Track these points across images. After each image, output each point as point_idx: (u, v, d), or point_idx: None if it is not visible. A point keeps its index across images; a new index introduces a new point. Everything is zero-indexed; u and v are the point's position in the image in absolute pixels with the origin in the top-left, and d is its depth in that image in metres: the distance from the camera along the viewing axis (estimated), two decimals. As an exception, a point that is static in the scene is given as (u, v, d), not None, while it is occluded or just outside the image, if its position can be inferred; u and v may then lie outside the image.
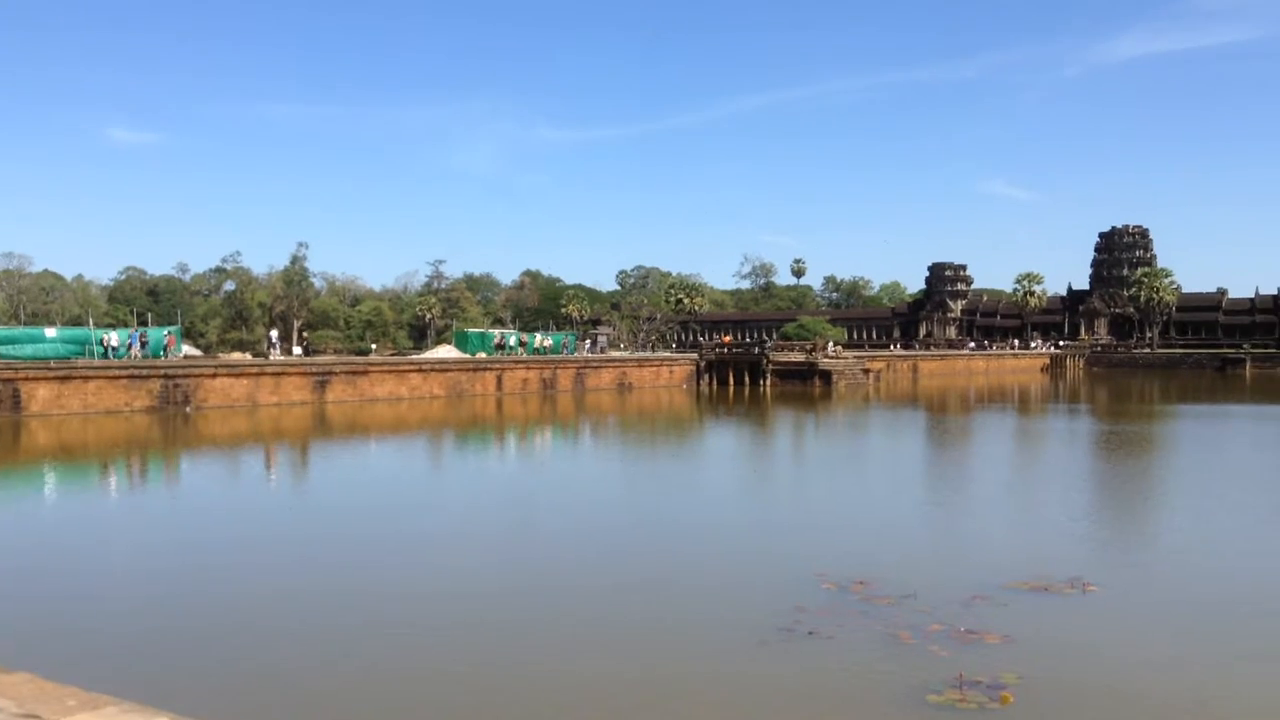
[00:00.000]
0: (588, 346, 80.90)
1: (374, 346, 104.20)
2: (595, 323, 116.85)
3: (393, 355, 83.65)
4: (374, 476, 28.07)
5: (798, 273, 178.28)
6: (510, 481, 27.46)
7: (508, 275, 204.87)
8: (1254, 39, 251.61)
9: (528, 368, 61.67)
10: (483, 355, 63.38)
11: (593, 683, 10.53)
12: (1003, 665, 10.56)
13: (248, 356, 58.57)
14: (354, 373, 52.44)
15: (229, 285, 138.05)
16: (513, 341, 68.74)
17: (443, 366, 57.48)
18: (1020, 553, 16.46)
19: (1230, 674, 10.69)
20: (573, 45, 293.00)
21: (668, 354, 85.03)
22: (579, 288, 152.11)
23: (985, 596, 13.23)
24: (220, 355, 64.73)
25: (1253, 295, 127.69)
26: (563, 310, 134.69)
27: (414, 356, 68.97)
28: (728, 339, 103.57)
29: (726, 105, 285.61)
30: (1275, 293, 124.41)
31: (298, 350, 59.04)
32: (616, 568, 15.94)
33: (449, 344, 73.59)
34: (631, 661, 11.23)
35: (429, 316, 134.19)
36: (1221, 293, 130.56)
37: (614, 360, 70.53)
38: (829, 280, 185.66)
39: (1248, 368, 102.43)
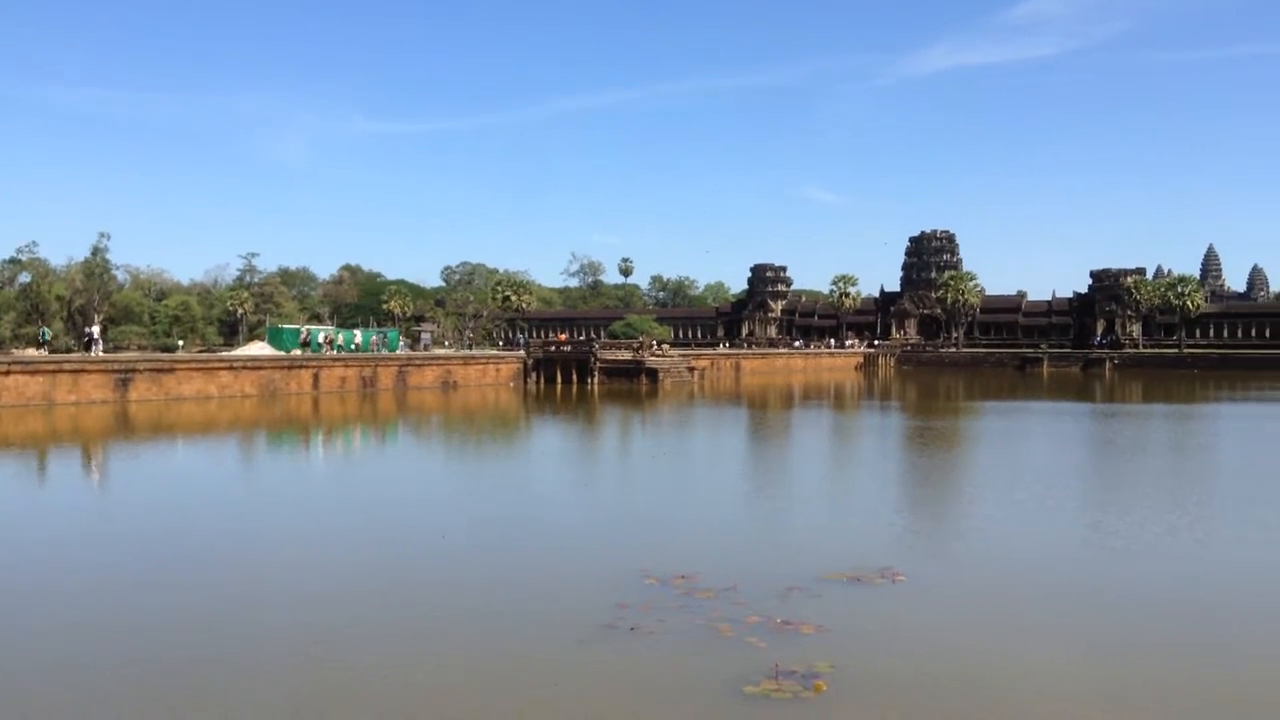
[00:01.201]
0: (404, 344, 78.97)
1: (181, 343, 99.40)
2: (419, 319, 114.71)
3: (202, 352, 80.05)
4: (182, 477, 26.67)
5: (625, 272, 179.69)
6: (324, 482, 26.58)
7: (326, 269, 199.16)
8: (1054, 55, 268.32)
9: (346, 365, 59.96)
10: (298, 352, 61.28)
11: (409, 682, 10.26)
12: (817, 654, 10.82)
13: (44, 353, 54.87)
14: (159, 370, 49.83)
15: (24, 277, 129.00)
16: (320, 338, 66.57)
17: (255, 364, 55.25)
18: (835, 545, 16.94)
19: (1029, 657, 11.22)
20: (395, 36, 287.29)
21: (494, 352, 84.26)
22: (402, 283, 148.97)
23: (802, 588, 13.54)
24: (14, 351, 60.50)
25: (1050, 298, 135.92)
26: (384, 306, 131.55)
27: (224, 354, 66.12)
28: (563, 337, 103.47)
29: (555, 103, 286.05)
30: (1070, 296, 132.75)
31: (97, 349, 55.43)
32: (437, 567, 15.60)
33: (262, 340, 70.91)
34: (451, 662, 11.04)
35: (241, 312, 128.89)
36: (1021, 295, 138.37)
37: (438, 358, 69.36)
38: (656, 279, 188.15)
39: (1045, 366, 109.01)
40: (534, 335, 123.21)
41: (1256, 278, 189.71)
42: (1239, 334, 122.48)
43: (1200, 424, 44.21)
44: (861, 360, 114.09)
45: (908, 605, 13.13)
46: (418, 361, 66.07)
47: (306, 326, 74.05)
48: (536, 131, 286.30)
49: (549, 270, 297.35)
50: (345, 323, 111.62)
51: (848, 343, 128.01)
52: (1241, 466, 29.00)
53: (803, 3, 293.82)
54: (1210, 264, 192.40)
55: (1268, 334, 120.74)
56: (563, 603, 13.24)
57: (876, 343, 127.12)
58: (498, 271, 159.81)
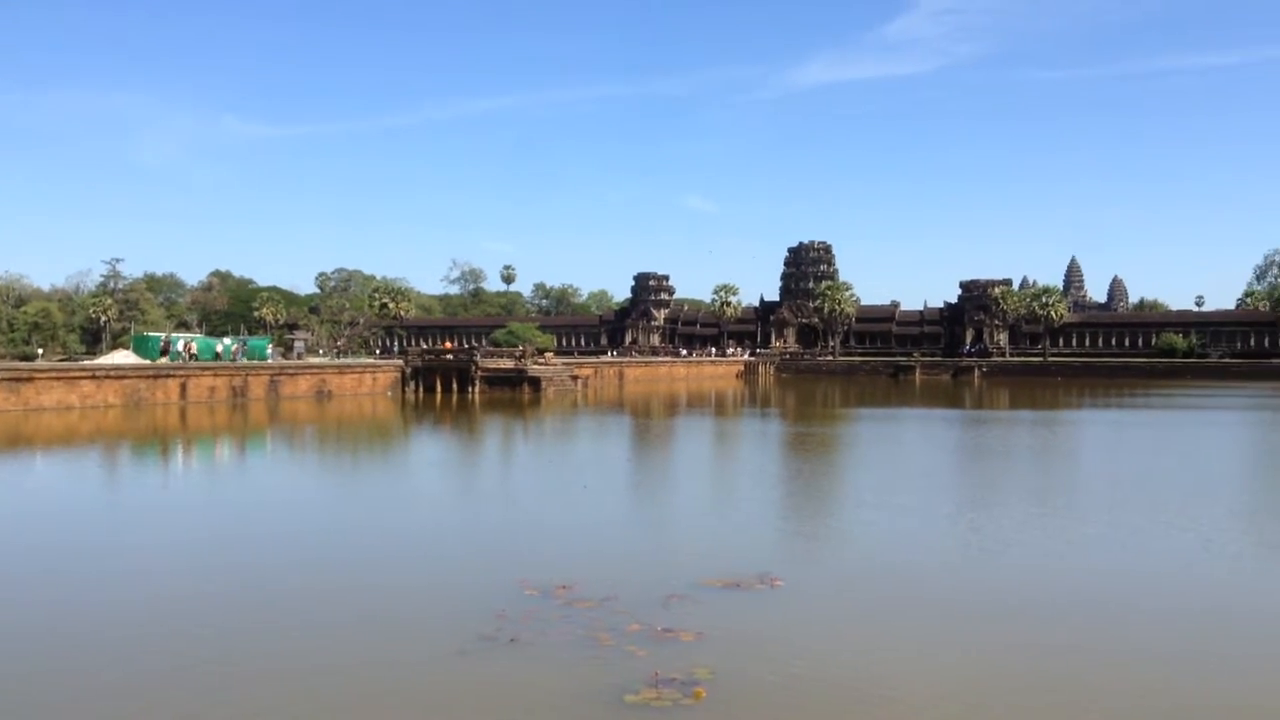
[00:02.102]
0: (273, 353, 76.64)
1: (41, 351, 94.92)
2: (292, 327, 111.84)
3: (63, 361, 76.52)
4: (40, 491, 25.34)
5: (507, 279, 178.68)
6: (191, 494, 25.57)
7: (195, 276, 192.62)
8: (925, 72, 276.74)
9: (215, 375, 58.00)
10: (164, 361, 59.05)
11: (283, 694, 9.94)
12: (697, 661, 10.81)
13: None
14: (17, 379, 47.38)
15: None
16: (180, 346, 64.27)
17: (119, 373, 53.01)
18: (715, 551, 17.01)
19: (905, 660, 11.41)
20: (268, 37, 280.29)
21: (371, 360, 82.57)
22: (274, 290, 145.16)
23: (682, 595, 13.54)
24: None
25: (922, 308, 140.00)
26: (256, 314, 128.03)
27: (87, 362, 63.28)
28: (449, 345, 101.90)
29: (435, 108, 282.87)
30: (941, 306, 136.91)
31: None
32: (309, 578, 15.13)
33: (127, 349, 68.16)
34: (326, 673, 10.75)
35: (105, 319, 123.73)
36: (895, 305, 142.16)
37: (312, 366, 67.63)
38: (539, 287, 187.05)
39: (917, 374, 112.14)
40: (413, 343, 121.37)
41: (1116, 288, 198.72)
42: (1100, 342, 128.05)
43: (1065, 430, 45.96)
44: (742, 368, 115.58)
45: (786, 610, 13.24)
46: (291, 370, 64.31)
47: (166, 335, 71.33)
48: (415, 137, 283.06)
49: (429, 277, 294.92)
50: (215, 331, 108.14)
51: (729, 351, 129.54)
52: (1106, 471, 30.19)
53: (685, 15, 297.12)
54: (1073, 275, 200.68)
55: (1126, 343, 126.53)
56: (440, 614, 12.99)
57: (757, 351, 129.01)
58: (375, 278, 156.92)
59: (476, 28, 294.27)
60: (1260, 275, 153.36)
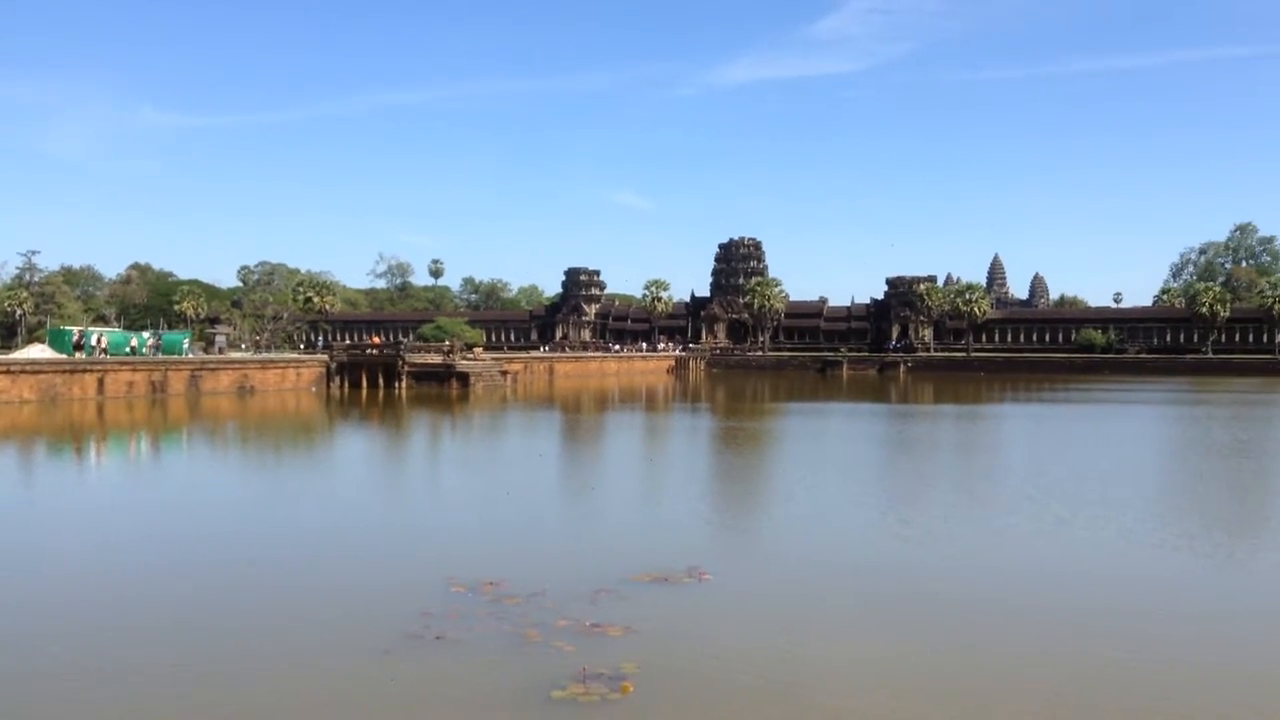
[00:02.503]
0: (190, 348, 74.82)
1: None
2: (214, 321, 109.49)
3: (-26, 356, 74.04)
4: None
5: (435, 273, 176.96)
6: (107, 492, 24.87)
7: (113, 268, 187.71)
8: (852, 71, 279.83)
9: (134, 370, 56.56)
10: (81, 356, 57.47)
11: (205, 695, 9.69)
12: (624, 656, 10.79)
13: None
14: (-78, 375, 45.76)
15: None
16: (94, 340, 62.61)
17: (34, 368, 51.45)
18: (644, 546, 17.01)
19: (832, 652, 11.50)
20: (187, 23, 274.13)
21: (295, 355, 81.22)
22: (195, 283, 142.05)
23: (610, 590, 13.51)
24: None
25: (849, 304, 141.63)
26: (176, 307, 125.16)
27: (1, 357, 61.31)
28: (377, 340, 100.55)
29: (361, 99, 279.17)
30: (868, 302, 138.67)
31: None
32: (230, 577, 14.81)
33: (42, 343, 66.15)
34: (249, 673, 10.55)
35: (20, 313, 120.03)
36: (823, 301, 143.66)
37: (234, 361, 66.31)
38: (467, 282, 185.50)
39: (845, 369, 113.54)
40: (338, 338, 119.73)
41: (1037, 285, 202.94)
42: (1021, 338, 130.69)
43: (988, 424, 46.82)
44: (673, 363, 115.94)
45: (713, 604, 13.27)
46: (212, 365, 62.99)
47: (79, 329, 69.34)
48: (339, 128, 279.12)
49: (355, 271, 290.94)
50: (134, 325, 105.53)
51: (660, 346, 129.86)
52: (1029, 464, 30.79)
53: (609, 10, 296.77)
54: (996, 272, 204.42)
55: (1047, 338, 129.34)
56: (365, 613, 12.80)
57: (688, 346, 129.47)
58: (299, 272, 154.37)
59: (397, 19, 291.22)
60: (1176, 273, 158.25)
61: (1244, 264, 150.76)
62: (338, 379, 69.45)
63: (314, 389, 66.99)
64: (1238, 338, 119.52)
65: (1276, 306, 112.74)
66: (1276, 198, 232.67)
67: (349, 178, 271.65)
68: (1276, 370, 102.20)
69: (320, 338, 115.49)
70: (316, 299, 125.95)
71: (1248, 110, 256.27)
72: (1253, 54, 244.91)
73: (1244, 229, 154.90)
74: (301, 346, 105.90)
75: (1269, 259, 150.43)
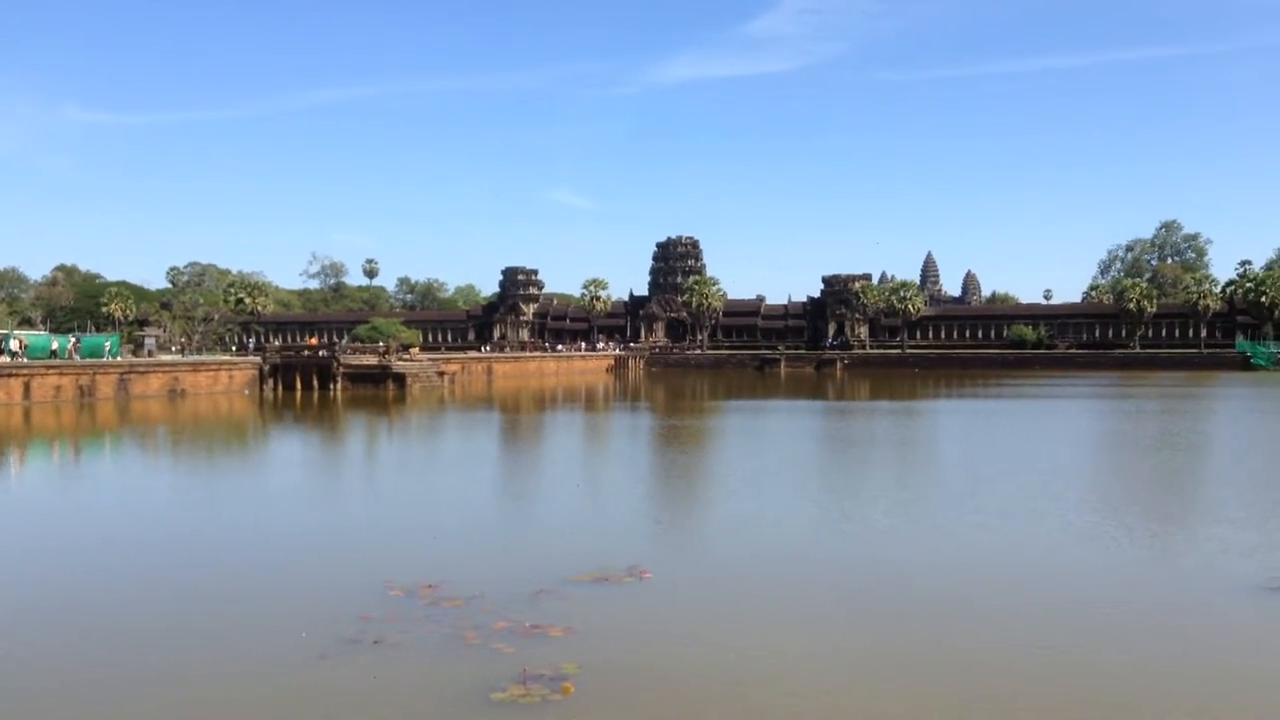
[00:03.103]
0: (111, 350, 73.23)
1: None
2: (143, 323, 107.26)
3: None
4: None
5: (370, 273, 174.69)
6: (37, 498, 24.17)
7: (38, 270, 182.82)
8: (788, 70, 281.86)
9: (61, 374, 55.15)
10: (5, 360, 55.88)
11: (143, 701, 9.48)
12: (565, 656, 10.72)
13: None
14: None
15: None
16: (14, 345, 60.93)
17: (-45, 373, 49.96)
18: (584, 546, 16.94)
19: (774, 649, 11.52)
20: (111, 20, 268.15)
21: (227, 357, 79.70)
22: (123, 285, 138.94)
23: (550, 590, 13.42)
24: None
25: (786, 302, 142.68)
26: (104, 310, 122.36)
27: (-81, 362, 59.38)
28: (314, 341, 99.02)
29: (293, 97, 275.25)
30: (805, 300, 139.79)
31: None
32: (167, 582, 14.51)
33: (-37, 348, 64.20)
34: (185, 679, 10.35)
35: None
36: (761, 299, 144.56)
37: (164, 364, 64.88)
38: (403, 281, 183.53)
39: (782, 367, 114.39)
40: (271, 340, 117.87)
41: (970, 282, 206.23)
42: (954, 335, 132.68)
43: (924, 419, 47.42)
44: (612, 362, 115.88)
45: (654, 602, 13.25)
46: (141, 368, 61.60)
47: (2, 331, 67.41)
48: (273, 125, 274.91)
49: (288, 271, 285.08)
50: (61, 327, 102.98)
51: (599, 345, 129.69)
52: (967, 458, 31.26)
53: (546, 8, 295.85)
54: (929, 270, 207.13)
55: (980, 335, 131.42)
56: (302, 618, 12.59)
57: (627, 345, 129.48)
58: (230, 273, 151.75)
59: (331, 15, 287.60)
60: (1104, 270, 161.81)
61: (1169, 260, 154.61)
62: (271, 381, 68.38)
63: (247, 392, 65.87)
64: (1164, 333, 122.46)
65: (1201, 302, 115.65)
66: (1201, 195, 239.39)
67: (281, 176, 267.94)
68: (1201, 364, 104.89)
69: (253, 340, 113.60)
70: (248, 300, 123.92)
71: (1173, 110, 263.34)
72: (1178, 55, 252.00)
73: (1169, 226, 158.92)
74: (233, 349, 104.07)
75: (1194, 255, 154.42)
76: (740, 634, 11.93)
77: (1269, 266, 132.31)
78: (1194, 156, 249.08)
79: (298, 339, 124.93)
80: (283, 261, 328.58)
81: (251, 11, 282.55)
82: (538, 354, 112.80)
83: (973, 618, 12.61)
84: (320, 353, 73.30)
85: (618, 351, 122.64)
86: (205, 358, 74.76)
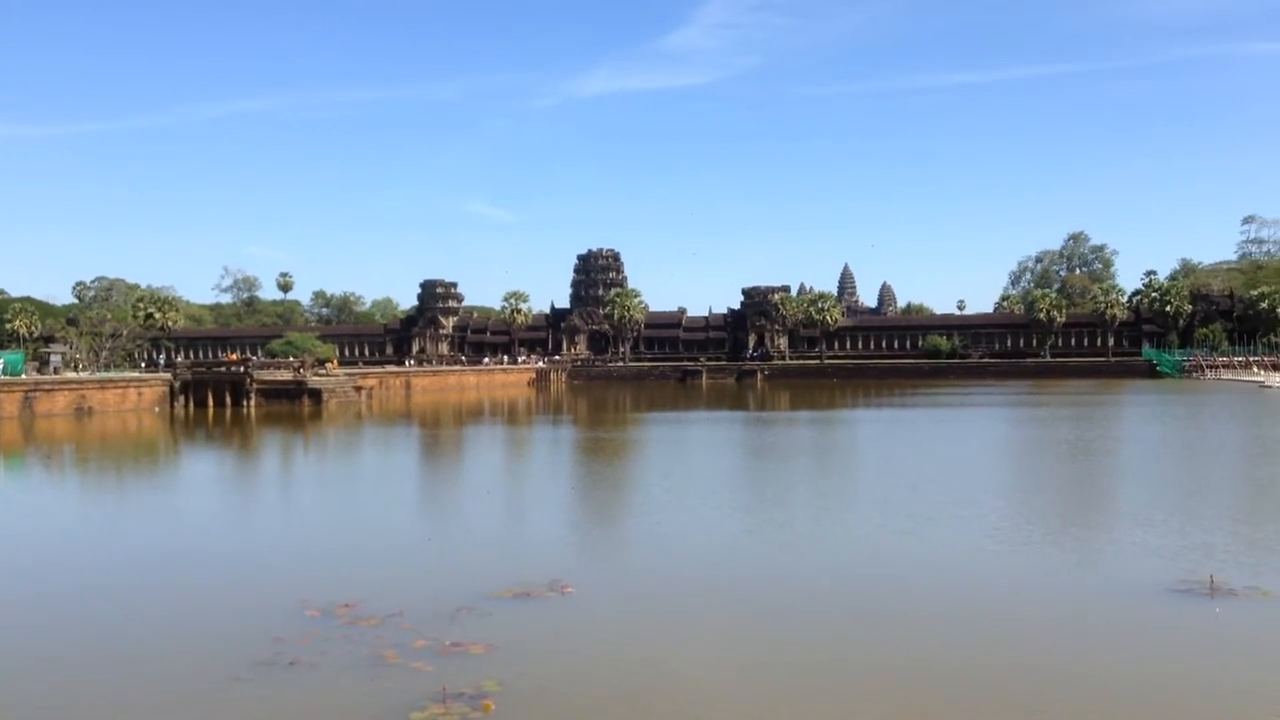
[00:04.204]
0: (22, 368, 71.09)
1: None
2: (48, 340, 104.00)
3: None
4: None
5: (284, 287, 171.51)
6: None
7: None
8: (704, 83, 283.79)
9: (-39, 392, 53.22)
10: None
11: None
12: (486, 674, 10.58)
13: None
14: None
15: None
16: None
17: None
18: (506, 561, 16.76)
19: (695, 663, 11.49)
20: (12, 28, 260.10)
21: (136, 374, 77.64)
22: (28, 300, 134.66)
23: (471, 607, 13.24)
24: None
25: (707, 314, 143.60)
26: (8, 326, 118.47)
27: None
28: (234, 356, 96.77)
29: (201, 108, 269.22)
30: (725, 312, 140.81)
31: None
32: (73, 610, 13.97)
33: None
34: (91, 706, 10.03)
35: None
36: (682, 311, 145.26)
37: (70, 382, 62.95)
38: (319, 295, 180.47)
39: (704, 378, 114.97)
40: (182, 356, 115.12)
41: (886, 294, 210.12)
42: (872, 345, 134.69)
43: (844, 428, 47.96)
44: (534, 376, 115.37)
45: (577, 617, 13.14)
46: (47, 386, 59.71)
47: None
48: (182, 137, 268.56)
49: (199, 286, 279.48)
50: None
51: (520, 359, 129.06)
52: (890, 466, 31.57)
53: (460, 20, 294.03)
54: (846, 282, 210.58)
55: (896, 345, 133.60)
56: (214, 640, 12.28)
57: (549, 358, 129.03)
58: (139, 287, 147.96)
59: (242, 25, 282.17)
60: (1015, 280, 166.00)
61: (1077, 271, 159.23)
62: (182, 398, 66.82)
63: (157, 409, 64.21)
64: (1073, 341, 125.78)
65: (1108, 311, 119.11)
66: (1107, 208, 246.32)
67: (192, 189, 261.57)
68: (1110, 372, 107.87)
69: (163, 356, 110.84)
70: (158, 315, 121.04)
71: (1080, 125, 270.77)
72: (1084, 70, 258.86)
73: (1077, 237, 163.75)
74: (143, 365, 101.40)
75: (1101, 266, 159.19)
76: (663, 648, 11.87)
77: (1173, 277, 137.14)
78: (1100, 170, 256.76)
79: (210, 355, 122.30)
80: (194, 276, 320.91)
81: (159, 21, 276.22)
82: (458, 368, 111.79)
83: (894, 628, 12.70)
84: (234, 368, 71.73)
85: (539, 364, 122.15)
86: (113, 375, 72.68)
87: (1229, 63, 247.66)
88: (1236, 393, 70.37)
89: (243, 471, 34.20)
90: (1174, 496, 23.52)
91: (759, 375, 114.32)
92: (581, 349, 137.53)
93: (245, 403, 66.12)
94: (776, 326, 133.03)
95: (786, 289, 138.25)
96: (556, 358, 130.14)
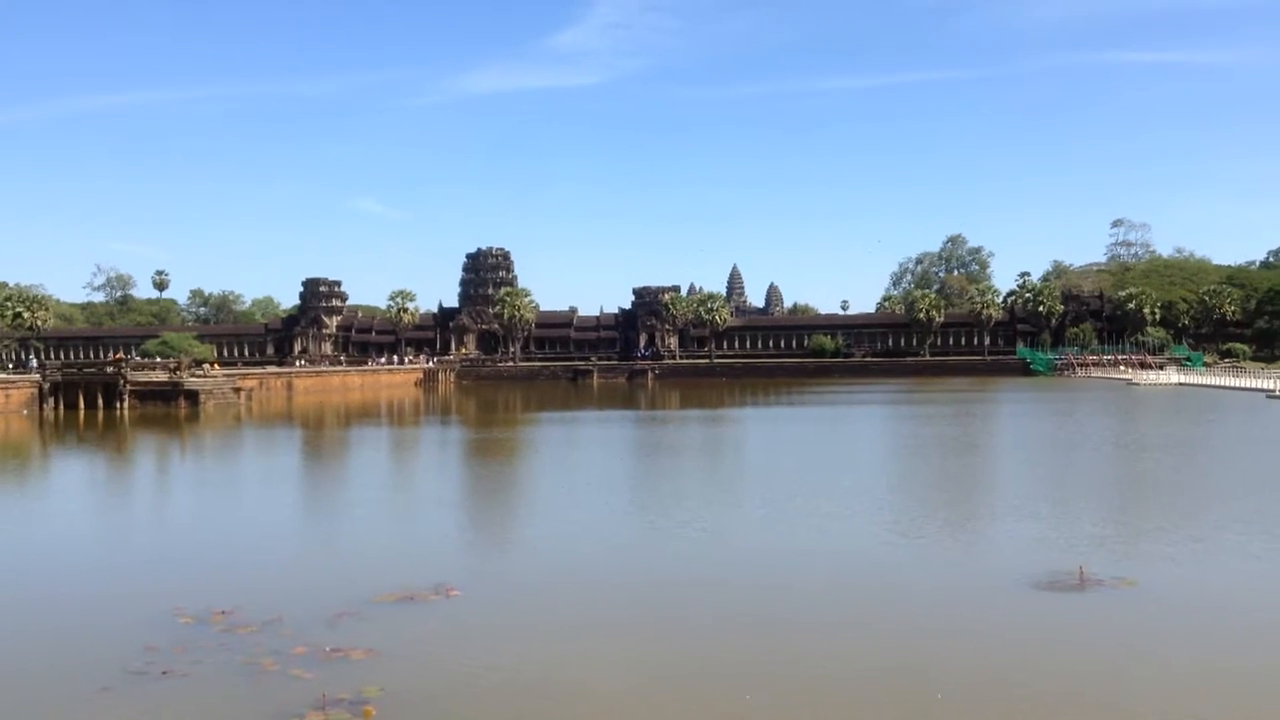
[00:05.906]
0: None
1: None
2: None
3: None
4: None
5: (160, 285, 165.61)
6: None
7: None
8: (594, 84, 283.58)
9: None
10: None
11: None
12: (367, 679, 10.43)
13: None
14: None
15: None
16: None
17: None
18: (389, 565, 16.51)
19: (580, 666, 11.49)
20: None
21: (3, 376, 74.22)
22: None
23: (352, 612, 13.02)
24: None
25: (598, 313, 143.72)
26: None
27: None
28: (119, 357, 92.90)
29: (70, 102, 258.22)
30: (616, 311, 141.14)
31: None
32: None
33: None
34: None
35: None
36: (573, 311, 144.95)
37: (-69, 384, 59.97)
38: (196, 294, 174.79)
39: (595, 378, 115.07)
40: (52, 356, 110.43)
41: (773, 294, 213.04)
42: (760, 344, 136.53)
43: (733, 427, 48.53)
44: (421, 376, 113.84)
45: (461, 621, 13.03)
46: (-97, 389, 56.70)
47: None
48: (50, 131, 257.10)
49: (70, 284, 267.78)
50: None
51: (407, 359, 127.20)
52: (779, 463, 32.01)
53: (338, 17, 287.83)
54: (735, 282, 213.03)
55: (783, 344, 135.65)
56: (82, 650, 11.84)
57: (437, 358, 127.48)
58: (6, 285, 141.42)
59: (111, 16, 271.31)
60: (896, 281, 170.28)
61: (956, 272, 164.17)
62: (52, 400, 64.11)
63: (25, 412, 61.52)
64: (951, 340, 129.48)
65: (985, 311, 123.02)
66: (983, 211, 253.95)
67: (62, 184, 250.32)
68: (986, 370, 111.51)
69: (32, 356, 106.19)
70: (26, 314, 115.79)
71: (958, 129, 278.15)
72: (962, 77, 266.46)
73: (955, 240, 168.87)
74: (10, 366, 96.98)
75: (977, 268, 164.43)
76: (549, 650, 11.83)
77: (1046, 278, 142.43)
78: (978, 173, 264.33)
79: (82, 355, 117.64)
80: (64, 274, 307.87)
81: (25, 8, 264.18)
82: (341, 368, 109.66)
83: (784, 626, 12.85)
84: (107, 369, 69.11)
85: (427, 365, 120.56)
86: (-25, 376, 69.32)
87: (1101, 71, 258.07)
88: (1106, 390, 73.48)
89: (115, 476, 32.99)
90: (1052, 490, 24.37)
91: (650, 375, 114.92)
92: (471, 349, 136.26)
93: (119, 405, 63.80)
94: (667, 326, 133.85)
95: (677, 289, 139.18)
96: (445, 358, 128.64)
